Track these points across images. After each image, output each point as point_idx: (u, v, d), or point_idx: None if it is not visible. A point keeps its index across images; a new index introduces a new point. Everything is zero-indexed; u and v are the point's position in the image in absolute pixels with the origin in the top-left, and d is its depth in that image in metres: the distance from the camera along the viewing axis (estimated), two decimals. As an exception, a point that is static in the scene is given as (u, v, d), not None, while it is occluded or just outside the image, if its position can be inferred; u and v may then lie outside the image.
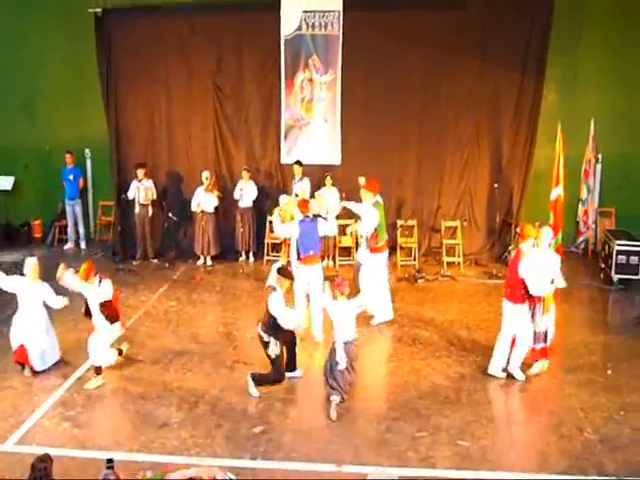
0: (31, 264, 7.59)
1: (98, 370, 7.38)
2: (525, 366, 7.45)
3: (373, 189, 9.01)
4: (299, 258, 8.46)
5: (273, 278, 7.09)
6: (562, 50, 11.54)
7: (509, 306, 7.30)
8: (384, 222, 9.16)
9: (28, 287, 7.55)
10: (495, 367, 7.45)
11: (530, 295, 7.12)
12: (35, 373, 7.53)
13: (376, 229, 8.92)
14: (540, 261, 7.13)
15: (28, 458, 4.66)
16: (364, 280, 8.92)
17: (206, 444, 6.12)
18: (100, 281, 7.42)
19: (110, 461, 4.57)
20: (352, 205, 9.45)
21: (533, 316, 7.32)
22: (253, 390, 7.04)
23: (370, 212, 8.94)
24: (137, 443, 6.13)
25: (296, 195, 11.34)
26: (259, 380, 7.07)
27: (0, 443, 6.12)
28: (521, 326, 7.24)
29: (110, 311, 7.46)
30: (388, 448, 6.08)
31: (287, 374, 7.20)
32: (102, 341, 7.41)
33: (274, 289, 6.96)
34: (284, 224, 9.22)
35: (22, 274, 7.62)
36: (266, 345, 6.96)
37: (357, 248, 10.63)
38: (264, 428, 6.40)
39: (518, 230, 11.21)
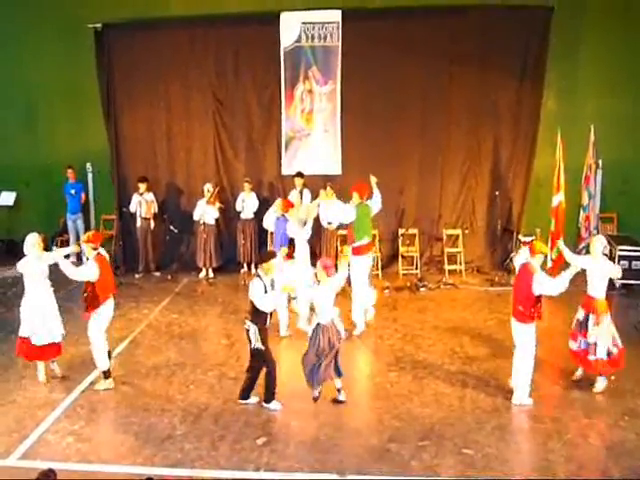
0: (34, 239, 7.56)
1: (106, 374, 7.52)
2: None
3: (361, 193, 9.15)
4: None
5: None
6: (561, 57, 11.56)
7: (517, 326, 6.98)
8: (365, 224, 9.14)
9: (36, 262, 7.51)
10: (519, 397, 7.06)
11: (539, 313, 6.86)
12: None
13: (352, 226, 9.09)
14: (599, 269, 7.21)
15: (32, 473, 4.65)
16: (352, 279, 9.13)
17: (210, 456, 6.12)
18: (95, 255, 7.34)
19: None
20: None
21: (586, 327, 7.19)
22: (274, 406, 7.01)
23: (347, 208, 9.25)
24: (141, 456, 6.13)
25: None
26: (266, 394, 7.02)
27: (4, 458, 6.12)
28: (527, 348, 6.92)
29: (88, 294, 7.26)
30: (392, 457, 6.06)
31: (241, 400, 7.13)
32: (95, 340, 7.42)
33: (257, 276, 6.99)
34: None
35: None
36: (247, 332, 6.95)
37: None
38: (267, 439, 6.40)
39: (520, 237, 11.38)
